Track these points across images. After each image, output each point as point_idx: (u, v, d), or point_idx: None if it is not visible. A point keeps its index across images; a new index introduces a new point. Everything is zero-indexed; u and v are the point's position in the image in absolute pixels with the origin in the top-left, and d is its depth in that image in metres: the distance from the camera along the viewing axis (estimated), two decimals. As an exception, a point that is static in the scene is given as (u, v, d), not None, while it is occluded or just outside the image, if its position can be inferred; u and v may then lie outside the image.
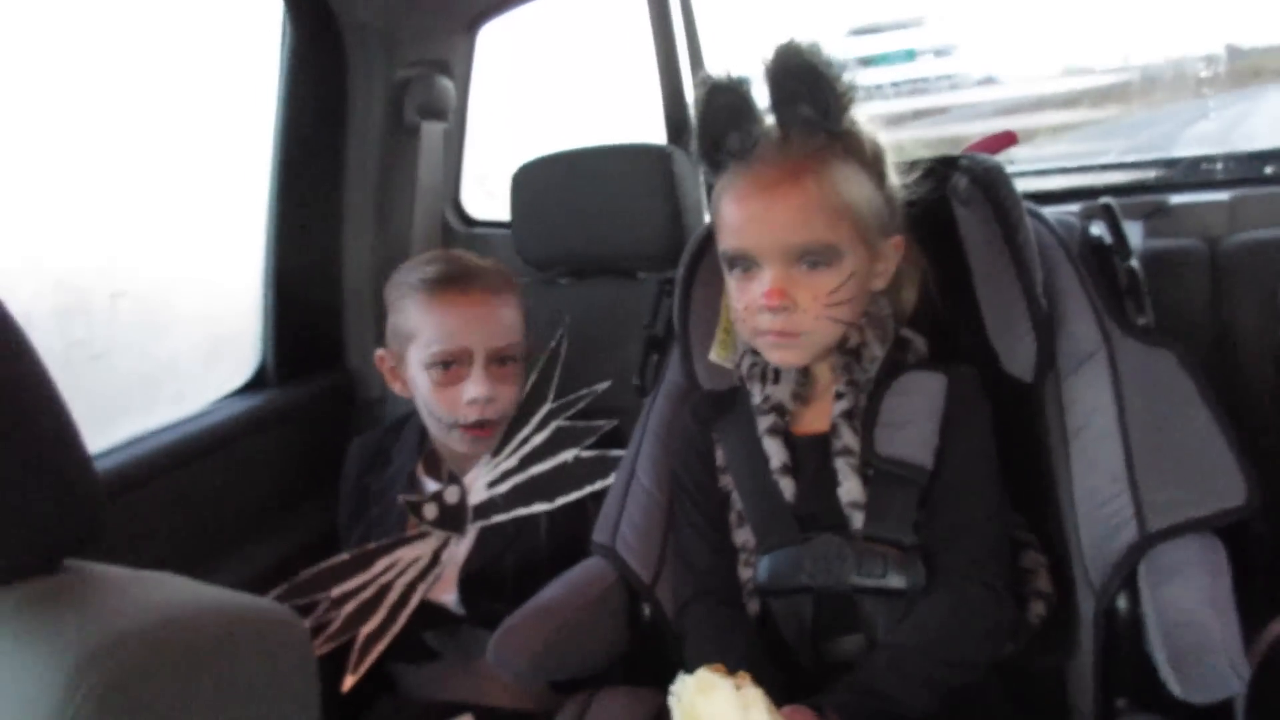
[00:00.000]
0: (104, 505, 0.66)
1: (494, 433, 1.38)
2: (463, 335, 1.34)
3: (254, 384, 1.68)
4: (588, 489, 1.37)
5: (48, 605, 0.58)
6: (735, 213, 1.05)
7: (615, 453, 1.36)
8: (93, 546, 0.65)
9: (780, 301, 1.01)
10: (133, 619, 0.57)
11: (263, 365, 1.69)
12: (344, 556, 1.37)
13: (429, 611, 1.35)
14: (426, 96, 1.76)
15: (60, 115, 1.39)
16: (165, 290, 1.57)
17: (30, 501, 0.59)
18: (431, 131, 1.81)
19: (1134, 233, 1.27)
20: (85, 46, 1.42)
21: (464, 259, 1.41)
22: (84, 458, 0.64)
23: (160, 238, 1.54)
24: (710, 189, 1.17)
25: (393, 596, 1.34)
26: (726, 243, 1.07)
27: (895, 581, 1.01)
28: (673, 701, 0.90)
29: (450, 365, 1.34)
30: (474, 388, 1.33)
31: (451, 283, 1.35)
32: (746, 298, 1.05)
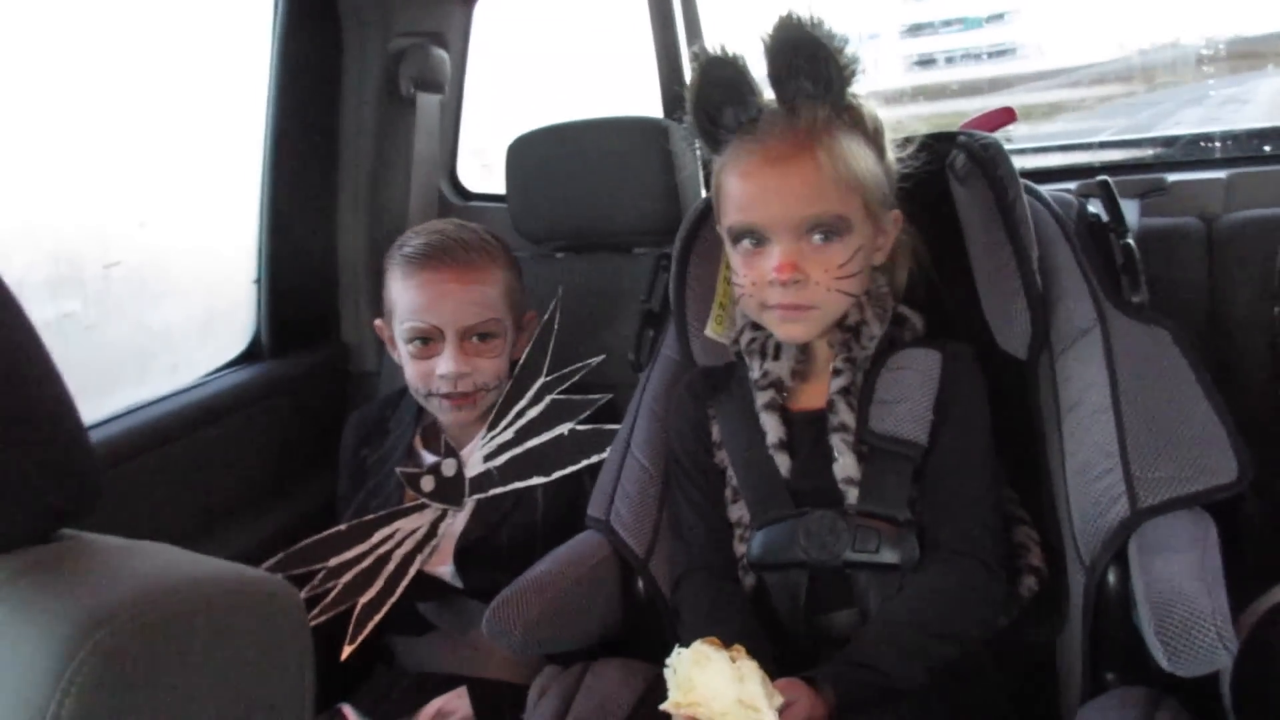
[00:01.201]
0: (99, 474, 0.65)
1: (474, 402, 1.38)
2: (433, 313, 1.35)
3: (248, 356, 1.68)
4: (583, 462, 1.37)
5: (44, 573, 0.58)
6: (743, 187, 1.04)
7: (610, 426, 1.37)
8: (88, 516, 0.65)
9: (792, 275, 1.01)
10: (128, 587, 0.57)
11: (257, 337, 1.68)
12: (342, 527, 1.38)
13: (425, 583, 1.36)
14: (421, 68, 1.74)
15: (53, 85, 1.38)
16: (159, 262, 1.56)
17: (26, 470, 0.59)
18: (427, 103, 1.80)
19: (1131, 211, 1.27)
20: (77, 16, 1.41)
21: (449, 232, 1.40)
22: (79, 427, 0.64)
23: (154, 209, 1.53)
24: (706, 164, 1.17)
25: (390, 567, 1.35)
26: (732, 218, 1.06)
27: (888, 557, 1.02)
28: (668, 673, 0.91)
29: (427, 340, 1.36)
30: (444, 363, 1.34)
31: (426, 259, 1.36)
32: (755, 272, 1.05)
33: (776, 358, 1.11)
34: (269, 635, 0.61)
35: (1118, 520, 0.98)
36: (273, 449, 1.62)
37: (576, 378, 1.44)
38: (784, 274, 1.01)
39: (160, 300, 1.58)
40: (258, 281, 1.67)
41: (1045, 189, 1.24)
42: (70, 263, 1.40)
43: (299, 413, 1.67)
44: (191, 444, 1.44)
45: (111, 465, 1.29)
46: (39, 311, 0.64)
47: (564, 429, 1.40)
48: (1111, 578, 0.99)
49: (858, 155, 1.03)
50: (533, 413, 1.41)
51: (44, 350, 0.63)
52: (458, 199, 1.95)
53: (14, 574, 0.57)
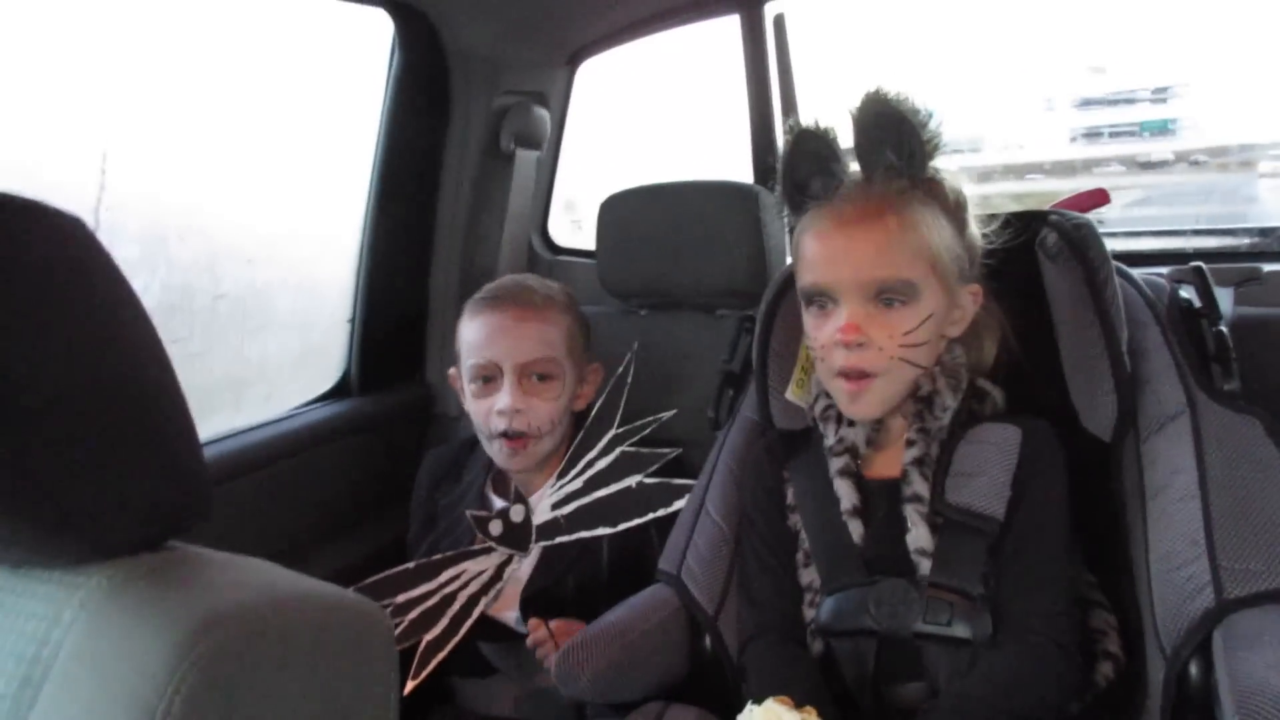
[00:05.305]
0: (210, 490, 0.69)
1: (526, 446, 1.39)
2: (491, 349, 1.39)
3: (336, 392, 1.73)
4: (649, 515, 1.38)
5: (158, 579, 0.61)
6: (816, 249, 1.07)
7: (678, 481, 1.38)
8: (193, 528, 0.68)
9: (855, 336, 1.03)
10: (236, 597, 0.60)
11: (346, 375, 1.74)
12: (410, 565, 1.40)
13: (491, 627, 1.38)
14: (523, 125, 1.81)
15: (177, 127, 1.46)
16: (262, 297, 1.62)
17: (145, 480, 0.62)
18: (525, 159, 1.86)
19: (1225, 299, 1.25)
20: (204, 62, 1.49)
21: (515, 280, 1.47)
22: (195, 443, 0.67)
23: (262, 247, 1.59)
24: (794, 231, 1.18)
25: (455, 607, 1.37)
26: (805, 278, 1.09)
27: (960, 631, 1.01)
28: None
29: (488, 379, 1.39)
30: (501, 398, 1.37)
31: (490, 300, 1.42)
32: (822, 335, 1.07)
33: (851, 424, 1.12)
34: (360, 652, 0.64)
35: (1202, 610, 0.95)
36: (352, 483, 1.66)
37: (647, 431, 1.46)
38: (847, 334, 1.03)
39: (260, 333, 1.64)
40: (351, 320, 1.73)
41: (1137, 273, 1.23)
42: (182, 292, 1.47)
43: (380, 450, 1.72)
44: (277, 473, 1.49)
45: (205, 487, 1.33)
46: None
47: (632, 481, 1.42)
48: (1194, 669, 0.96)
49: (931, 225, 1.04)
50: (602, 463, 1.43)
51: (169, 367, 0.66)
52: (547, 253, 2.00)
53: (129, 577, 0.61)
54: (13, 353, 0.55)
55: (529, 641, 1.29)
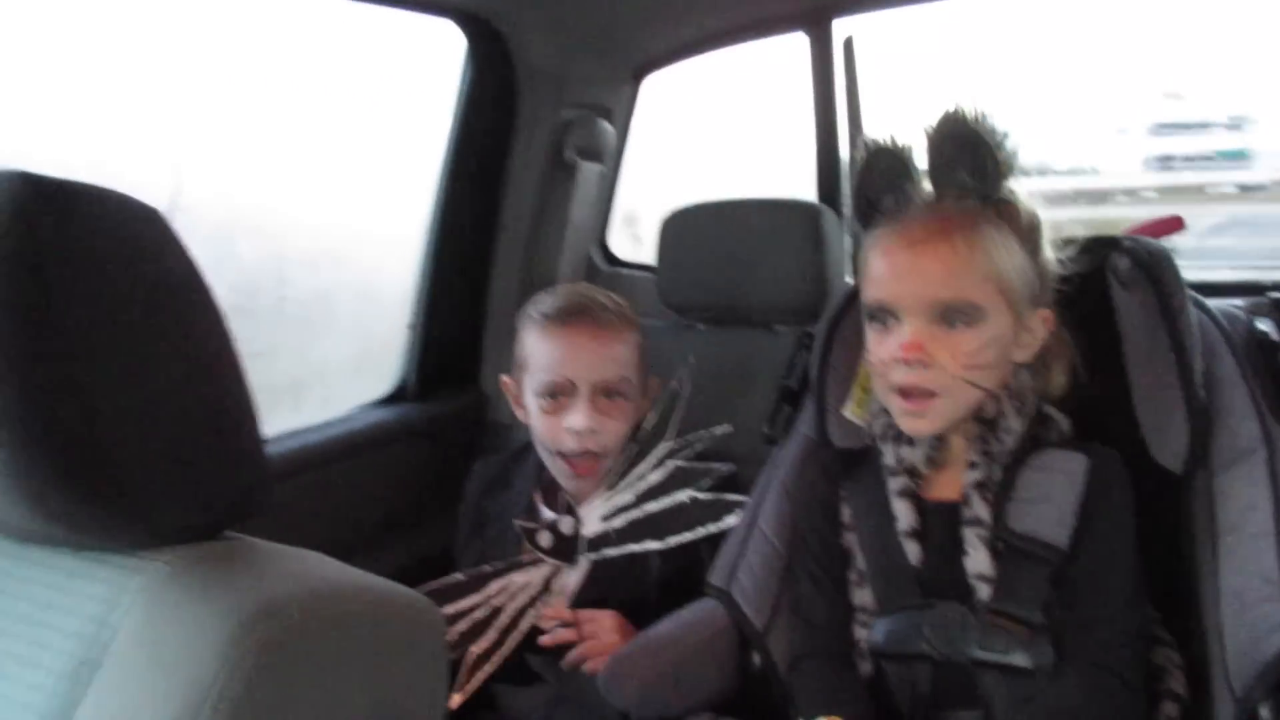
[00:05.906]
0: (271, 484, 0.69)
1: (596, 468, 1.39)
2: (568, 367, 1.37)
3: (394, 397, 1.75)
4: (700, 531, 1.37)
5: (216, 566, 0.62)
6: (881, 265, 1.06)
7: (731, 497, 1.37)
8: (249, 520, 0.69)
9: (916, 355, 1.01)
10: (293, 585, 0.60)
11: (404, 380, 1.76)
12: (459, 576, 1.40)
13: (537, 637, 1.37)
14: (587, 138, 1.82)
15: (251, 131, 1.49)
16: (325, 300, 1.65)
17: (210, 469, 0.63)
18: (588, 172, 1.87)
19: (1305, 335, 1.21)
20: (278, 68, 1.52)
21: (584, 293, 1.45)
22: (259, 437, 0.68)
23: (327, 250, 1.62)
24: (856, 247, 1.18)
25: (503, 619, 1.36)
26: (869, 294, 1.08)
27: (1019, 660, 0.98)
28: None
29: (557, 395, 1.38)
30: (575, 418, 1.36)
31: (562, 316, 1.40)
32: (883, 351, 1.05)
33: (911, 444, 1.10)
34: (412, 647, 0.64)
35: (1275, 651, 0.92)
36: (404, 487, 1.67)
37: (700, 446, 1.45)
38: (908, 352, 1.01)
39: (322, 336, 1.66)
40: (411, 327, 1.75)
41: (1211, 303, 1.20)
42: (248, 293, 1.50)
43: (434, 456, 1.73)
44: (331, 473, 1.51)
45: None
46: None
47: (684, 496, 1.40)
48: (1265, 713, 0.92)
49: (1001, 247, 1.02)
50: (654, 477, 1.42)
51: (238, 360, 0.67)
52: (606, 265, 2.00)
53: (189, 563, 0.61)
54: (86, 335, 0.57)
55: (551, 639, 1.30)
